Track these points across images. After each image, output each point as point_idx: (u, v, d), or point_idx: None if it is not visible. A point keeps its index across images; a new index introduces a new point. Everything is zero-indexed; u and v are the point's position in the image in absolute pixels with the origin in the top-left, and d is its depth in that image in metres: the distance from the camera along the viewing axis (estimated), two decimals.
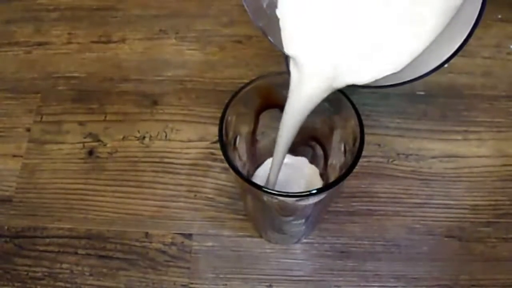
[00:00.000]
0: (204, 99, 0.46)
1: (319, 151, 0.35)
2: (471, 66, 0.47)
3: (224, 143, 0.27)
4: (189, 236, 0.40)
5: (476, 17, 0.21)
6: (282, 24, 0.27)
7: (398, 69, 0.25)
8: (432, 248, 0.40)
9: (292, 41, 0.27)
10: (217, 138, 0.27)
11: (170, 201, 0.42)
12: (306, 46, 0.27)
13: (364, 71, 0.26)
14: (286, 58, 0.27)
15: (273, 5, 0.27)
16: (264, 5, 0.28)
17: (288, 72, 0.27)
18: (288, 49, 0.27)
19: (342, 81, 0.26)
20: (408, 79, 0.25)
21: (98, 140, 0.45)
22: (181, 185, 0.42)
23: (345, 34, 0.26)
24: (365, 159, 0.43)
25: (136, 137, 0.45)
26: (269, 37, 0.28)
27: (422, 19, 0.24)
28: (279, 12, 0.27)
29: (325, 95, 0.27)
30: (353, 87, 0.27)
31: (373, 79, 0.26)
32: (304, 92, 0.27)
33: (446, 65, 0.49)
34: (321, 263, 0.39)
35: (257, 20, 0.27)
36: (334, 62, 0.26)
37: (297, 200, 0.27)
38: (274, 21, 0.27)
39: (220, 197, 0.42)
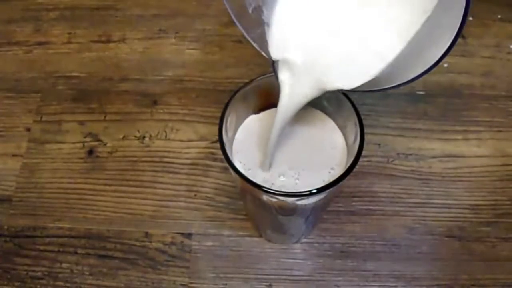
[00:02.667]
0: (204, 99, 0.46)
1: None
2: (471, 66, 0.47)
3: (224, 143, 0.27)
4: (189, 235, 0.40)
5: (461, 19, 0.22)
6: (272, 28, 0.28)
7: (376, 74, 0.26)
8: (432, 248, 0.40)
9: (285, 44, 0.27)
10: (217, 137, 0.27)
11: (170, 201, 0.42)
12: (298, 49, 0.27)
13: (349, 76, 0.27)
14: (272, 63, 0.28)
15: (259, 9, 0.28)
16: (250, 10, 0.28)
17: (276, 76, 0.28)
18: (280, 53, 0.27)
19: (330, 85, 0.27)
20: (398, 82, 0.25)
21: (98, 140, 0.45)
22: (181, 184, 0.42)
23: (330, 38, 0.27)
24: (365, 159, 0.43)
25: (136, 136, 0.45)
26: (255, 44, 0.28)
27: (394, 24, 0.26)
28: (266, 17, 0.27)
29: (316, 96, 0.27)
30: (347, 91, 0.27)
31: (356, 85, 0.26)
32: (297, 93, 0.27)
33: (446, 65, 0.49)
34: (321, 263, 0.39)
35: (243, 26, 0.27)
36: (323, 64, 0.27)
37: (296, 200, 0.27)
38: (260, 27, 0.28)
39: (220, 196, 0.42)
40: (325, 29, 0.27)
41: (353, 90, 0.27)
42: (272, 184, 0.30)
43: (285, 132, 0.30)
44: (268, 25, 0.28)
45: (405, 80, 0.25)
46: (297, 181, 0.30)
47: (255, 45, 0.28)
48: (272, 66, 0.28)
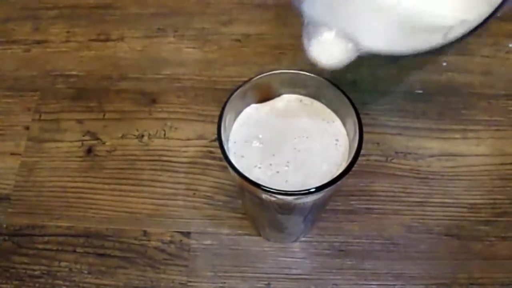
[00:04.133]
0: (203, 98, 0.46)
1: None
2: (470, 65, 0.47)
3: (223, 142, 0.27)
4: (187, 234, 0.40)
5: None
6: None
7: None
8: (431, 246, 0.40)
9: (327, 8, 0.30)
10: (215, 136, 0.27)
11: (169, 199, 0.42)
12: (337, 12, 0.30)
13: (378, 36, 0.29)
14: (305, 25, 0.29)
15: None
16: None
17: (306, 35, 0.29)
18: (321, 15, 0.29)
19: (363, 46, 0.29)
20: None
21: (97, 138, 0.45)
22: (180, 183, 0.42)
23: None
24: (363, 158, 0.43)
25: (134, 135, 0.45)
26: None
27: None
28: None
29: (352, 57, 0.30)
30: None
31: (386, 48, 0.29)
32: (334, 53, 0.29)
33: (444, 64, 0.48)
34: (320, 262, 0.39)
35: None
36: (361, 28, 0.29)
37: (295, 198, 0.27)
38: None
39: (218, 195, 0.42)
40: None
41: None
42: (277, 163, 0.30)
43: (288, 122, 0.30)
44: None
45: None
46: (300, 152, 0.29)
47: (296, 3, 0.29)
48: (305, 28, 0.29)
